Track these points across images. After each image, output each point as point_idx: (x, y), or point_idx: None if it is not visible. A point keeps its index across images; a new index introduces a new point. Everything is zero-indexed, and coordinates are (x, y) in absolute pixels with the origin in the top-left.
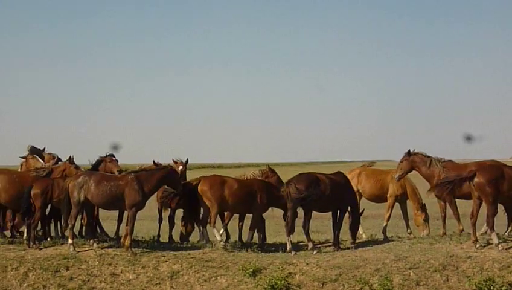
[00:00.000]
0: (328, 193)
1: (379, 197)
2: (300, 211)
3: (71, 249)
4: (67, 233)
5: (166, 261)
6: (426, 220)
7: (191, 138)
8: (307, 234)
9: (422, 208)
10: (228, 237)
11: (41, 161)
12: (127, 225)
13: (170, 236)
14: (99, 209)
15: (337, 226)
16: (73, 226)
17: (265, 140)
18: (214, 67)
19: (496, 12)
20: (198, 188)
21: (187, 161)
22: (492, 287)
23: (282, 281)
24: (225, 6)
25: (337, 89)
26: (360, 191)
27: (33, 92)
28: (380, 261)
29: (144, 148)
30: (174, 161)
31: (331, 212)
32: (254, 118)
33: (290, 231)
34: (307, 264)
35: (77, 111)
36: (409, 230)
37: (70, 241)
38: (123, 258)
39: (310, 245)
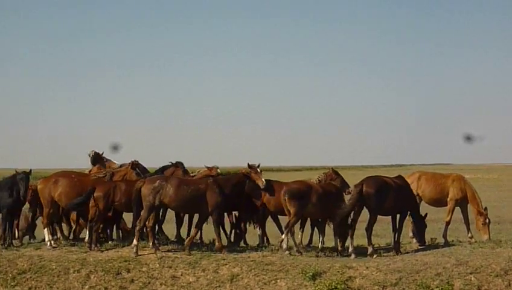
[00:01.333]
0: (393, 197)
1: (439, 201)
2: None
3: (133, 251)
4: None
5: (226, 264)
6: (487, 224)
7: (248, 141)
8: (369, 238)
9: (483, 212)
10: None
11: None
12: (195, 227)
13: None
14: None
15: (397, 230)
16: (141, 228)
17: (321, 144)
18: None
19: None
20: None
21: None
22: None
23: (342, 285)
24: (225, 6)
25: (396, 92)
26: (420, 195)
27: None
28: (440, 265)
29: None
30: (206, 167)
31: (390, 216)
32: (311, 122)
33: (352, 233)
34: (367, 268)
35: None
36: (469, 234)
37: (135, 242)
38: (183, 261)
39: (370, 249)
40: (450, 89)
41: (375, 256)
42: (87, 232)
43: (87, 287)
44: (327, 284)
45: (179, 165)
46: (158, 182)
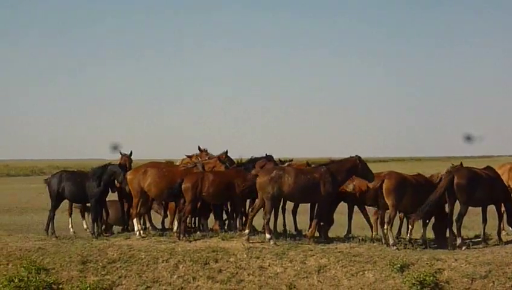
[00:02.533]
0: (485, 188)
1: None
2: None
3: (245, 241)
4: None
5: (313, 255)
6: None
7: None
8: (459, 229)
9: None
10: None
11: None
12: (315, 218)
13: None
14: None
15: (486, 221)
16: (268, 220)
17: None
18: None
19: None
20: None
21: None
22: None
23: (431, 277)
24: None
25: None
26: (511, 185)
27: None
28: None
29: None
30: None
31: (480, 208)
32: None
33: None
34: (456, 260)
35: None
36: None
37: (247, 231)
38: (271, 251)
39: (459, 241)
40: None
41: (464, 248)
42: (176, 222)
43: (175, 276)
44: (415, 276)
45: (270, 158)
46: (275, 172)
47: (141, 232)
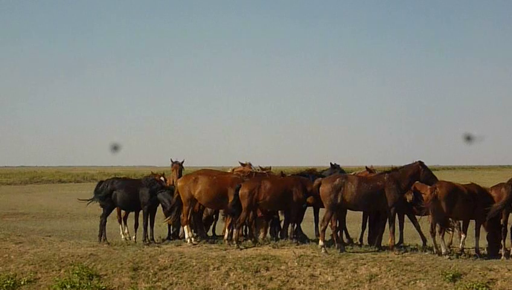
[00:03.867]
0: None
1: None
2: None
3: (322, 251)
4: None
5: (364, 264)
6: None
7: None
8: None
9: None
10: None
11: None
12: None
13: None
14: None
15: None
16: (336, 229)
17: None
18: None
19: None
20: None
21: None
22: None
23: (483, 287)
24: (225, 7)
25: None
26: None
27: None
28: None
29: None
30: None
31: None
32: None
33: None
34: (509, 270)
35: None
36: None
37: (321, 243)
38: (322, 259)
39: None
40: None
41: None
42: (227, 230)
43: (226, 284)
44: (468, 286)
45: (336, 167)
46: (338, 180)
47: (192, 239)
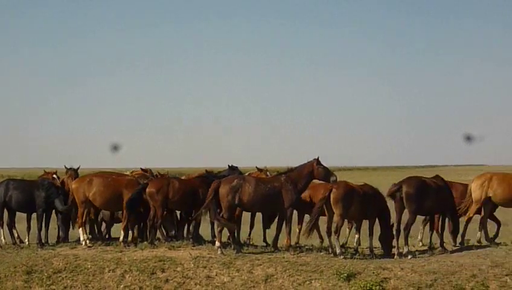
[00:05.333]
0: (434, 197)
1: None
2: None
3: (219, 252)
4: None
5: (260, 264)
6: None
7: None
8: (406, 238)
9: None
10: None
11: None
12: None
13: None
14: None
15: (441, 229)
16: (222, 229)
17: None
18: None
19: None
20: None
21: None
22: None
23: (377, 286)
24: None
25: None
26: (491, 196)
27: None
28: (476, 267)
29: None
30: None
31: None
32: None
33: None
34: (402, 269)
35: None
36: None
37: (218, 244)
38: (218, 261)
39: (406, 249)
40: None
41: (410, 257)
42: (122, 232)
43: (122, 286)
44: (362, 285)
45: (234, 169)
46: (236, 181)
47: (87, 241)
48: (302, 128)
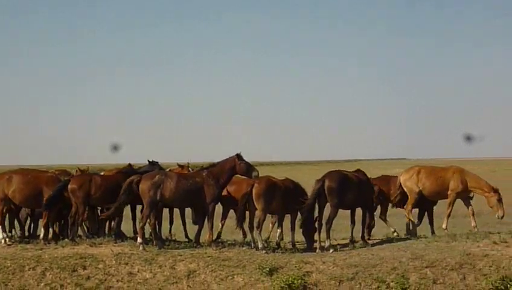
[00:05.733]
0: (355, 191)
1: (440, 194)
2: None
3: (141, 249)
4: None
5: (183, 260)
6: (500, 200)
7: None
8: (328, 232)
9: (496, 189)
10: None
11: None
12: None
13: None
14: None
15: (362, 224)
16: (155, 226)
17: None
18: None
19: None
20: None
21: None
22: (509, 286)
23: (299, 280)
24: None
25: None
26: (421, 188)
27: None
28: (396, 259)
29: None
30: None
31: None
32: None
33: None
34: (324, 263)
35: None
36: (474, 225)
37: (140, 240)
38: (140, 257)
39: (328, 243)
40: (443, 85)
41: (332, 251)
42: (43, 229)
43: (42, 284)
44: (284, 280)
45: (155, 164)
46: (158, 177)
47: (7, 239)
48: (220, 124)
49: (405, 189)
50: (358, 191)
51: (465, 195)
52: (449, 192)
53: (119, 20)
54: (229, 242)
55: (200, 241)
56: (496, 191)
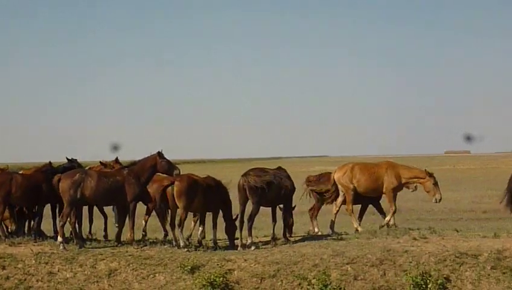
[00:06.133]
0: (276, 188)
1: (375, 191)
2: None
3: (61, 248)
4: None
5: (103, 259)
6: (436, 184)
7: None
8: (250, 229)
9: (431, 173)
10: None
11: None
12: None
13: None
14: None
15: (283, 221)
16: (75, 225)
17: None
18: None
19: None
20: None
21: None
22: (428, 281)
23: (221, 278)
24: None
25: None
26: (355, 185)
27: None
28: (317, 256)
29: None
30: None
31: (270, 208)
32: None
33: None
34: (245, 260)
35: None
36: (386, 220)
37: (60, 239)
38: (60, 256)
39: (250, 241)
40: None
41: (253, 248)
42: None
43: None
44: (206, 278)
45: (73, 161)
46: (78, 175)
47: None
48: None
49: (339, 186)
50: (278, 188)
51: (401, 189)
52: (384, 189)
53: (119, 20)
54: (150, 240)
55: (121, 239)
56: (430, 175)
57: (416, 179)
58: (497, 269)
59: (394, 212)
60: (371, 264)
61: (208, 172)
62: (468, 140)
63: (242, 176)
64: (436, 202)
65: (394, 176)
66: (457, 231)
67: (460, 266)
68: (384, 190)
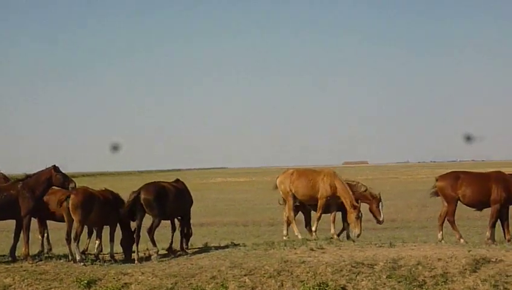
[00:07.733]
0: (174, 201)
1: (312, 198)
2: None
3: None
4: None
5: None
6: (360, 218)
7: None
8: (152, 240)
9: (356, 205)
10: None
11: None
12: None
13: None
14: None
15: (181, 233)
16: None
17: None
18: None
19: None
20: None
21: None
22: None
23: None
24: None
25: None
26: (293, 191)
27: None
28: (215, 268)
29: None
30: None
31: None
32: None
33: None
34: (143, 273)
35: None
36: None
37: None
38: None
39: (153, 252)
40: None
41: (156, 256)
42: None
43: None
44: None
45: None
46: None
47: None
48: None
49: (280, 192)
50: (176, 201)
51: (336, 200)
52: (318, 197)
53: (119, 20)
54: (46, 255)
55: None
56: (355, 207)
57: (344, 201)
58: (393, 278)
59: (318, 220)
60: (268, 275)
61: (106, 185)
62: (468, 140)
63: (139, 189)
64: (355, 236)
65: (329, 185)
66: (353, 241)
67: (356, 276)
68: (318, 198)
